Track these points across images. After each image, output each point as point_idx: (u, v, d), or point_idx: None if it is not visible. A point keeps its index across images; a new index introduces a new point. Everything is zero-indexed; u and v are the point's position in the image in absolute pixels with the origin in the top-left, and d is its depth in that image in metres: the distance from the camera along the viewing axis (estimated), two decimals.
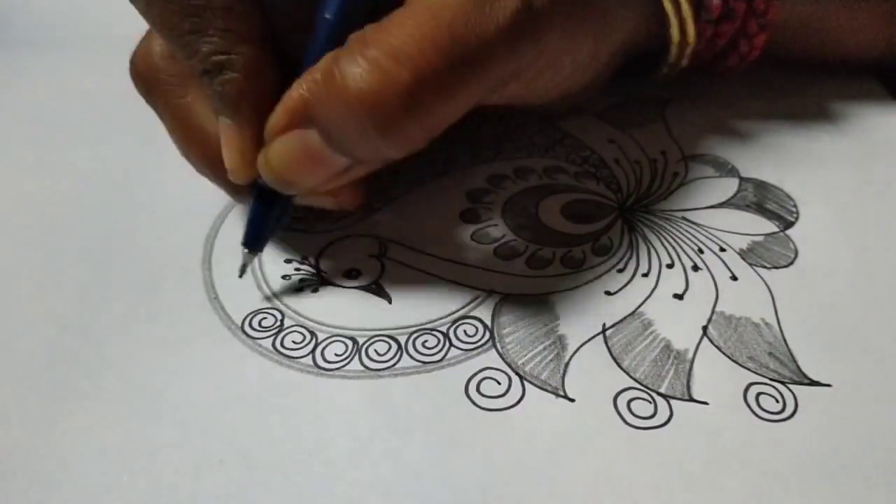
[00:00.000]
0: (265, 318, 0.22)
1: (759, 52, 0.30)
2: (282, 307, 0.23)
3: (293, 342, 0.22)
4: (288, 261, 0.25)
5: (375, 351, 0.21)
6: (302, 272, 0.24)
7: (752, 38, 0.29)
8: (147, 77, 0.23)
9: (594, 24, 0.24)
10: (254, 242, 0.23)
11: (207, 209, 0.27)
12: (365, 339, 0.22)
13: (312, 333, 0.22)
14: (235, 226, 0.26)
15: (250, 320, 0.22)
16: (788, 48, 0.32)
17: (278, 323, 0.22)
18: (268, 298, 0.23)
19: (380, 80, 0.17)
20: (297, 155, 0.20)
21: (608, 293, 0.23)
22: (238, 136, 0.20)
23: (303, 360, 0.21)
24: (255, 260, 0.25)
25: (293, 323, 0.22)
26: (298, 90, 0.19)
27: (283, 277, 0.24)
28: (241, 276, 0.23)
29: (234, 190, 0.23)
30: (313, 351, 0.21)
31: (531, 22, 0.20)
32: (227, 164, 0.21)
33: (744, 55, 0.30)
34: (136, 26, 0.37)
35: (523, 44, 0.20)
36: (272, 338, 0.22)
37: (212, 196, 0.27)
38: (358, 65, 0.18)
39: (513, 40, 0.19)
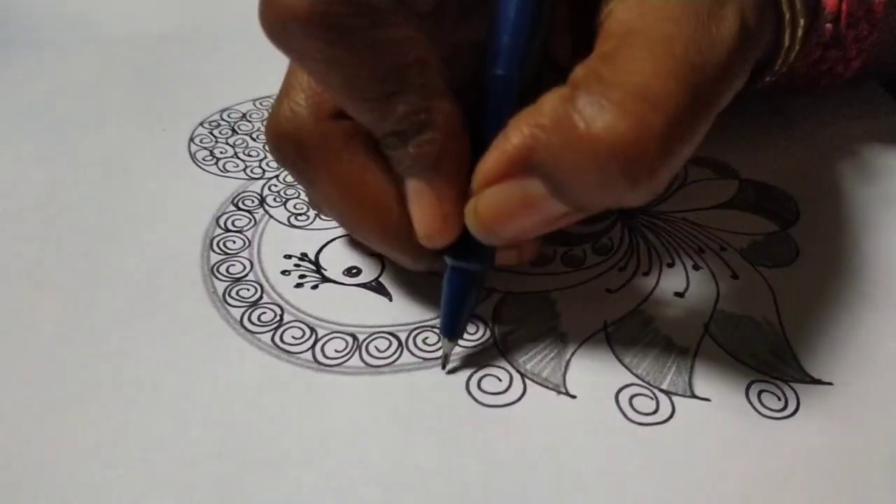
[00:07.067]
0: (264, 312, 0.22)
1: (851, 74, 0.29)
2: (281, 303, 0.23)
3: (293, 337, 0.22)
4: (287, 256, 0.24)
5: (376, 347, 0.21)
6: (302, 268, 0.24)
7: (850, 60, 0.28)
8: (301, 141, 0.20)
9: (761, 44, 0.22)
10: (453, 329, 0.20)
11: (207, 203, 0.27)
12: (365, 335, 0.22)
13: (312, 329, 0.22)
14: (233, 218, 0.26)
15: (249, 315, 0.22)
16: (879, 69, 0.31)
17: (277, 318, 0.22)
18: (266, 293, 0.23)
19: (633, 128, 0.15)
20: (513, 205, 0.18)
21: (609, 291, 0.23)
22: (437, 199, 0.19)
23: (302, 355, 0.21)
24: (255, 255, 0.25)
25: (293, 318, 0.22)
26: (518, 137, 0.17)
27: (283, 273, 0.24)
28: (444, 368, 0.21)
29: (414, 257, 0.21)
30: (313, 346, 0.21)
31: (749, 39, 0.18)
32: (423, 230, 0.19)
33: (836, 76, 0.29)
34: (137, 26, 0.37)
35: (746, 63, 0.18)
36: (271, 332, 0.22)
37: (211, 190, 0.27)
38: (604, 109, 0.16)
39: (740, 61, 0.18)
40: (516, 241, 0.20)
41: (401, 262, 0.22)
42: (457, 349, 0.21)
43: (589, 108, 0.16)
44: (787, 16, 0.22)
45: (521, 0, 0.18)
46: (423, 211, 0.19)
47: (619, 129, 0.15)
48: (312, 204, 0.22)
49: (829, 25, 0.26)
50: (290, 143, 0.20)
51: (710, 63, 0.17)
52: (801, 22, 0.23)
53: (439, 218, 0.19)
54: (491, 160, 0.17)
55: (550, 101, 0.16)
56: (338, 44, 0.16)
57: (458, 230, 0.19)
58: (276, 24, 0.16)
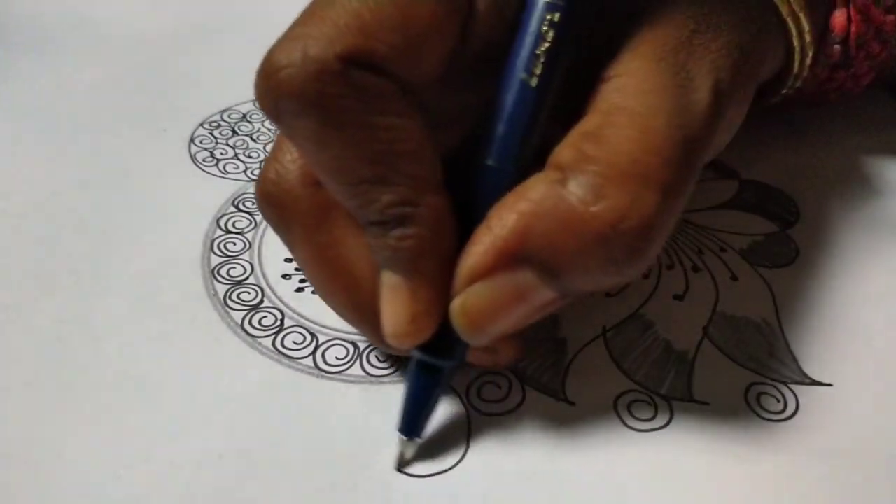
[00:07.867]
0: (265, 316, 0.22)
1: (861, 89, 0.29)
2: (282, 307, 0.23)
3: (294, 342, 0.22)
4: (288, 260, 0.25)
5: (377, 357, 0.21)
6: (302, 273, 0.24)
7: (860, 77, 0.28)
8: (282, 206, 0.19)
9: (759, 77, 0.22)
10: (413, 428, 0.19)
11: (207, 205, 0.27)
12: (366, 345, 0.22)
13: (313, 335, 0.22)
14: (234, 220, 0.26)
15: (250, 318, 0.22)
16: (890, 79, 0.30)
17: (278, 322, 0.22)
18: (267, 297, 0.23)
19: (633, 205, 0.15)
20: (504, 300, 0.17)
21: (608, 295, 0.23)
22: (410, 298, 0.17)
23: (303, 360, 0.21)
24: (256, 258, 0.25)
25: (293, 323, 0.22)
26: (504, 228, 0.16)
27: (283, 277, 0.24)
28: (398, 469, 0.19)
29: (382, 339, 0.19)
30: (314, 352, 0.21)
31: (720, 106, 0.18)
32: (391, 329, 0.17)
33: (846, 91, 0.29)
34: (137, 26, 0.37)
35: (719, 130, 0.18)
36: (272, 337, 0.22)
37: (212, 192, 0.27)
38: (601, 189, 0.16)
39: (712, 131, 0.18)
40: (502, 336, 0.18)
41: (370, 341, 0.21)
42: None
43: (585, 190, 0.16)
44: (798, 48, 0.23)
45: (522, 90, 0.17)
46: (394, 308, 0.17)
47: (620, 208, 0.15)
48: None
49: (837, 47, 0.26)
50: (273, 206, 0.19)
51: (690, 135, 0.17)
52: (809, 53, 0.23)
53: (409, 319, 0.17)
54: (477, 254, 0.16)
55: (537, 187, 0.16)
56: (330, 125, 0.15)
57: (429, 333, 0.17)
58: (269, 98, 0.16)
